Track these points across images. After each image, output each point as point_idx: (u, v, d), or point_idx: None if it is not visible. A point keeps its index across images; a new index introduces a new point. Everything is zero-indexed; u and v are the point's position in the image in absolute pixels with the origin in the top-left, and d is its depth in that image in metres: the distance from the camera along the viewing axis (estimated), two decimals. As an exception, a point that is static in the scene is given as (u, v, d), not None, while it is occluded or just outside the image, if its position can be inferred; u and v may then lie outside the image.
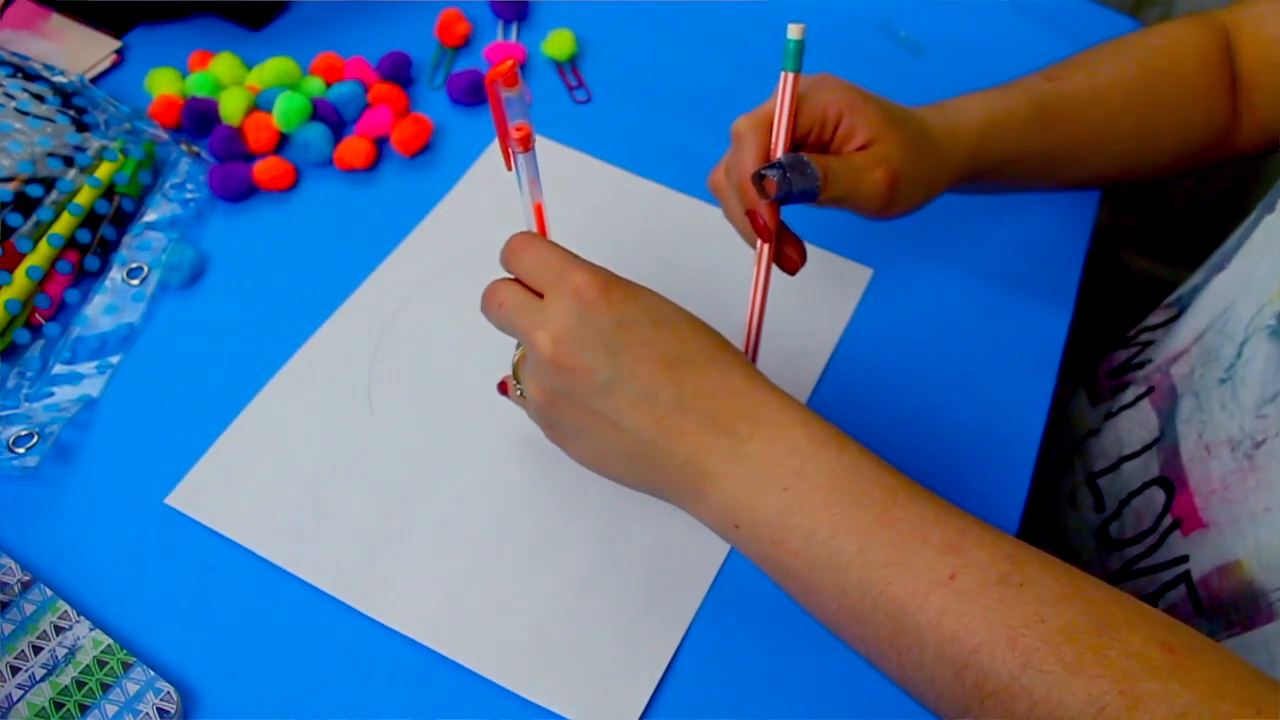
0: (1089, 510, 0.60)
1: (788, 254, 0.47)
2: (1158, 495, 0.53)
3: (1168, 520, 0.51)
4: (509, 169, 0.43)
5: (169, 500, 0.49)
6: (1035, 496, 0.66)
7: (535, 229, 0.45)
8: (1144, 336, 0.62)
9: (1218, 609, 0.47)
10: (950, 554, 0.35)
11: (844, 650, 0.46)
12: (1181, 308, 0.59)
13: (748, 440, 0.38)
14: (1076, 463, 0.63)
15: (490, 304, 0.42)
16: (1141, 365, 0.60)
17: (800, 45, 0.43)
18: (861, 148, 0.47)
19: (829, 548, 0.36)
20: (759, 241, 0.46)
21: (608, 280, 0.40)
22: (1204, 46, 0.58)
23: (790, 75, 0.44)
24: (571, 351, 0.39)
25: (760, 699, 0.45)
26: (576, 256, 0.41)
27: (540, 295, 0.40)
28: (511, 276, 0.42)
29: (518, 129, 0.42)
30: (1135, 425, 0.57)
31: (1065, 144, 0.55)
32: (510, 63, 0.40)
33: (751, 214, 0.45)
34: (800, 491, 0.37)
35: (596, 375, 0.38)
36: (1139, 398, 0.57)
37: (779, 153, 0.45)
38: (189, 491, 0.49)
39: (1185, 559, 0.50)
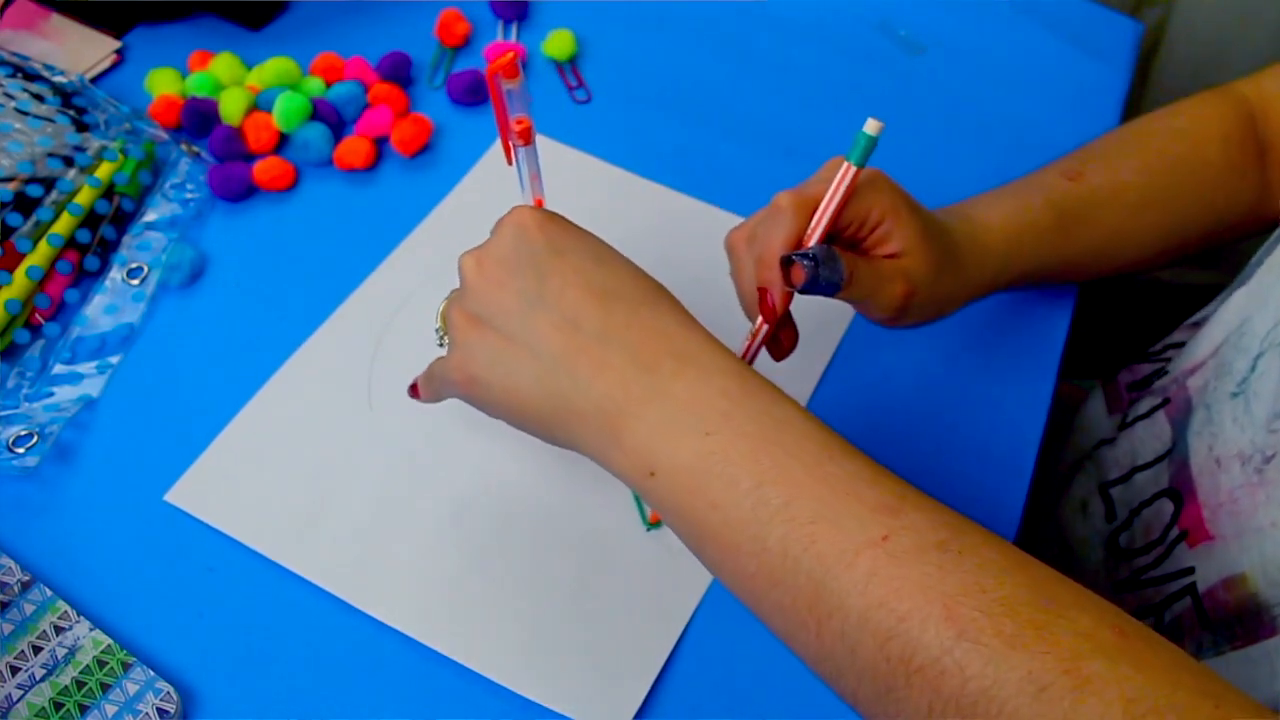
0: (1100, 519, 0.59)
1: (781, 339, 0.45)
2: (1166, 506, 0.53)
3: (1175, 531, 0.51)
4: (510, 163, 0.43)
5: (168, 497, 0.49)
6: (1044, 502, 0.66)
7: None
8: (1169, 352, 0.62)
9: (1222, 622, 0.47)
10: (885, 514, 0.32)
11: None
12: (1204, 322, 0.58)
13: (673, 379, 0.35)
14: (1090, 470, 0.62)
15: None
16: (1160, 376, 0.60)
17: (873, 142, 0.41)
18: (891, 256, 0.45)
19: (752, 499, 0.33)
20: (758, 319, 0.44)
21: (551, 215, 0.38)
22: (1225, 125, 0.57)
23: (852, 169, 0.42)
24: (499, 271, 0.37)
25: (757, 698, 0.45)
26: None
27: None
28: None
29: (518, 122, 0.41)
30: (1150, 436, 0.56)
31: (1087, 247, 0.55)
32: (511, 55, 0.39)
33: (763, 291, 0.43)
34: (726, 437, 0.34)
35: (522, 295, 0.36)
36: (1154, 409, 0.57)
37: (814, 241, 0.43)
38: (188, 488, 0.49)
39: (1191, 571, 0.49)
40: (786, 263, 0.42)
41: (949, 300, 0.49)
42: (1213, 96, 0.59)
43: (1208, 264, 0.83)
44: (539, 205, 0.44)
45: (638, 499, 0.50)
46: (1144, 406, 0.58)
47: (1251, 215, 0.58)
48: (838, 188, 0.42)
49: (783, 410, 0.35)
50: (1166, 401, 0.56)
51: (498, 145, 0.65)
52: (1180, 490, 0.51)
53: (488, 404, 0.39)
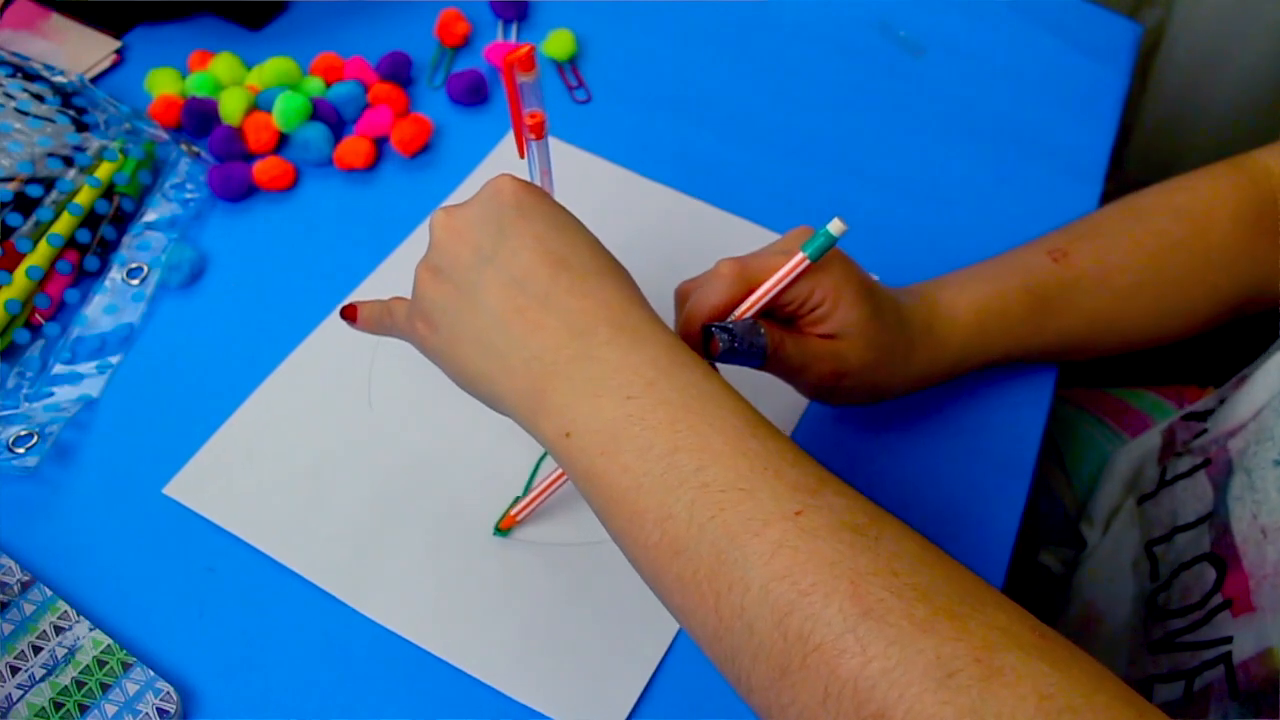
0: (1145, 578, 0.57)
1: None
2: (1208, 572, 0.51)
3: (1218, 599, 0.49)
4: (521, 156, 0.43)
5: (167, 490, 0.49)
6: (1095, 555, 0.63)
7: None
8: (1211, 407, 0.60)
9: (1251, 695, 0.45)
10: (803, 492, 0.31)
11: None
12: (1246, 379, 0.56)
13: (604, 345, 0.35)
14: (1137, 524, 0.60)
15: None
16: (1200, 435, 0.57)
17: (834, 241, 0.41)
18: (825, 336, 0.45)
19: (664, 464, 0.32)
20: None
21: (530, 186, 0.39)
22: (1238, 202, 0.53)
23: (805, 261, 0.42)
24: (464, 226, 0.38)
25: (746, 708, 0.45)
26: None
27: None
28: None
29: (531, 116, 0.41)
30: (1190, 497, 0.54)
31: (1066, 333, 0.52)
32: (528, 47, 0.39)
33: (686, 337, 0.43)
34: (646, 402, 0.33)
35: (479, 251, 0.37)
36: (1195, 468, 0.55)
37: (745, 314, 0.43)
38: (187, 481, 0.50)
39: (1229, 640, 0.48)
40: (707, 332, 0.42)
41: (886, 388, 0.48)
42: (1227, 170, 0.55)
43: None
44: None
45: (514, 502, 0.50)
46: (1184, 465, 0.56)
47: (1263, 296, 0.54)
48: (783, 275, 0.42)
49: (711, 385, 0.34)
50: (1207, 462, 0.54)
51: (501, 147, 0.65)
52: (1223, 557, 0.50)
53: (431, 352, 0.40)
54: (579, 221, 0.40)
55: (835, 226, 0.41)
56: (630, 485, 0.33)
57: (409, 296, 0.42)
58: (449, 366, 0.40)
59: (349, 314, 0.46)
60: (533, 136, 0.42)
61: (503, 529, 0.49)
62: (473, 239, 0.38)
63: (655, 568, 0.33)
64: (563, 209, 0.40)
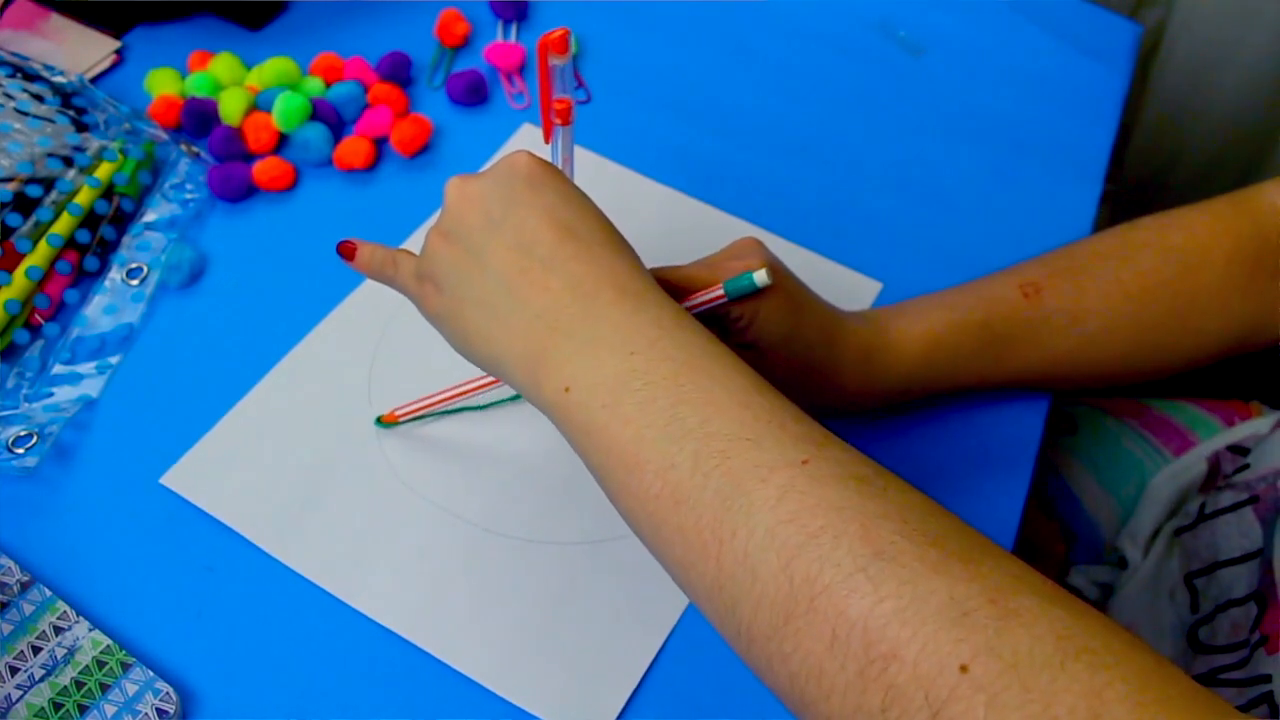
0: (1185, 609, 0.57)
1: None
2: (1252, 610, 0.50)
3: (1256, 635, 0.49)
4: (547, 141, 0.43)
5: (165, 480, 0.49)
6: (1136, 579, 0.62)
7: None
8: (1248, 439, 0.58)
9: None
10: (808, 444, 0.30)
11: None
12: None
13: (607, 305, 0.35)
14: (1176, 553, 0.59)
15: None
16: (1243, 470, 0.56)
17: (754, 289, 0.42)
18: (744, 345, 0.44)
19: (667, 416, 0.32)
20: None
21: (543, 161, 0.39)
22: (1234, 242, 0.50)
23: (722, 297, 0.42)
24: (476, 192, 0.39)
25: (738, 710, 0.45)
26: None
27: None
28: None
29: (559, 102, 0.41)
30: (1235, 532, 0.53)
31: (1027, 369, 0.51)
32: (563, 31, 0.40)
33: None
34: (649, 358, 0.33)
35: (488, 216, 0.38)
36: (1239, 504, 0.54)
37: None
38: (184, 472, 0.50)
39: (1268, 679, 0.47)
40: None
41: (818, 403, 0.47)
42: (1226, 208, 0.52)
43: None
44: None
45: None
46: (1226, 499, 0.55)
47: (1255, 335, 0.52)
48: (700, 303, 0.43)
49: (715, 346, 0.34)
50: (1255, 499, 0.53)
51: (503, 148, 0.65)
52: (1265, 594, 0.49)
53: (434, 314, 0.40)
54: (589, 199, 0.40)
55: (760, 278, 0.41)
56: (631, 436, 0.32)
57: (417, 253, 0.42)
58: (451, 328, 0.40)
59: (346, 250, 0.45)
60: (559, 122, 0.42)
61: (385, 421, 0.51)
62: (483, 205, 0.38)
63: (655, 520, 0.32)
64: (574, 186, 0.40)
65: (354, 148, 0.63)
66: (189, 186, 0.61)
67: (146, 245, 0.58)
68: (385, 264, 0.44)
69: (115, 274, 0.57)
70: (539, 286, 0.36)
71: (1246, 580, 0.52)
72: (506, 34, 0.72)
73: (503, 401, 0.53)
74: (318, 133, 0.63)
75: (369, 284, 0.58)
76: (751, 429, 0.31)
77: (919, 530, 0.28)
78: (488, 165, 0.61)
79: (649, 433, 0.32)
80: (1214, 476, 0.61)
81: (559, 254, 0.36)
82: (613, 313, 0.35)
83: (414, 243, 0.60)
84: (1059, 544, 0.67)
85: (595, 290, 0.36)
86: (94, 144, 0.59)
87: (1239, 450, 0.58)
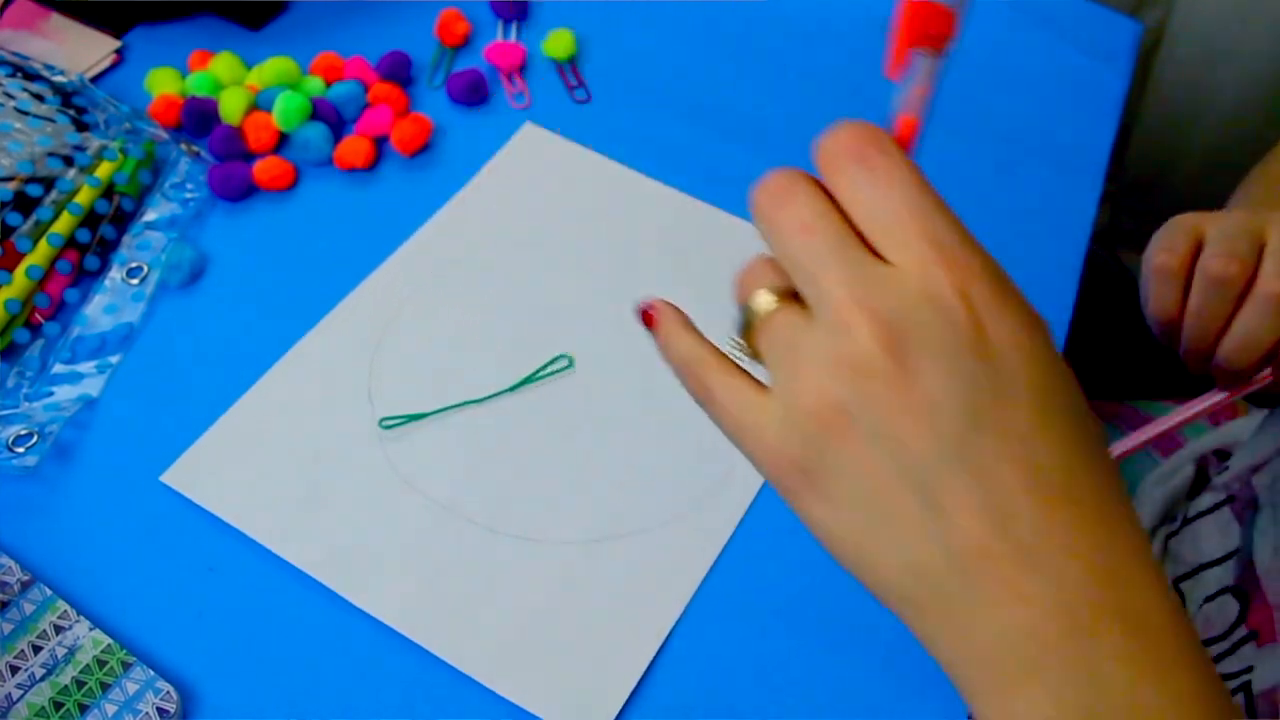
0: None
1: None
2: (1230, 605, 0.50)
3: (1243, 631, 0.49)
4: (894, 77, 0.33)
5: (165, 477, 0.49)
6: None
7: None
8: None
9: None
10: None
11: (829, 659, 0.46)
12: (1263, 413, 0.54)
13: (1108, 654, 0.24)
14: (1168, 562, 0.59)
15: (782, 215, 0.27)
16: (1222, 473, 0.56)
17: None
18: None
19: None
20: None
21: (1010, 299, 0.25)
22: None
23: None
24: (920, 373, 0.24)
25: (738, 710, 0.45)
26: (938, 203, 0.26)
27: (875, 254, 0.26)
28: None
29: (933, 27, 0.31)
30: (1215, 533, 0.54)
31: None
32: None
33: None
34: None
35: (941, 439, 0.24)
36: (1218, 505, 0.54)
37: None
38: (185, 469, 0.50)
39: (1251, 670, 0.47)
40: None
41: None
42: None
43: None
44: (909, 127, 0.33)
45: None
46: (1206, 502, 0.55)
47: None
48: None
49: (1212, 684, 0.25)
50: (1232, 499, 0.53)
51: (506, 148, 0.65)
52: (1246, 589, 0.49)
53: (813, 524, 0.27)
54: (1075, 390, 0.27)
55: None
56: None
57: (740, 358, 0.29)
58: (828, 546, 0.28)
59: (649, 319, 0.33)
60: (931, 50, 0.30)
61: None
62: (929, 410, 0.24)
63: None
64: (1059, 365, 0.26)
65: (354, 147, 0.63)
66: (189, 186, 0.61)
67: (147, 244, 0.58)
68: (701, 371, 0.30)
69: (115, 273, 0.57)
70: (1012, 590, 0.24)
71: (1221, 577, 0.52)
72: (507, 34, 0.72)
73: (503, 392, 0.53)
74: (318, 132, 0.63)
75: (369, 283, 0.58)
76: None
77: None
78: (478, 187, 0.61)
79: None
80: (1203, 479, 0.61)
81: (1047, 538, 0.24)
82: (1115, 671, 0.24)
83: (415, 242, 0.60)
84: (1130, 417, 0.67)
85: (1094, 620, 0.24)
86: (94, 143, 0.59)
87: (1223, 455, 0.58)
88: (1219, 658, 0.51)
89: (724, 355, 0.30)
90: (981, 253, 0.26)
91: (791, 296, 0.27)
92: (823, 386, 0.25)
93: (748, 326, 0.28)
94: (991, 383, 0.25)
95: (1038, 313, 0.26)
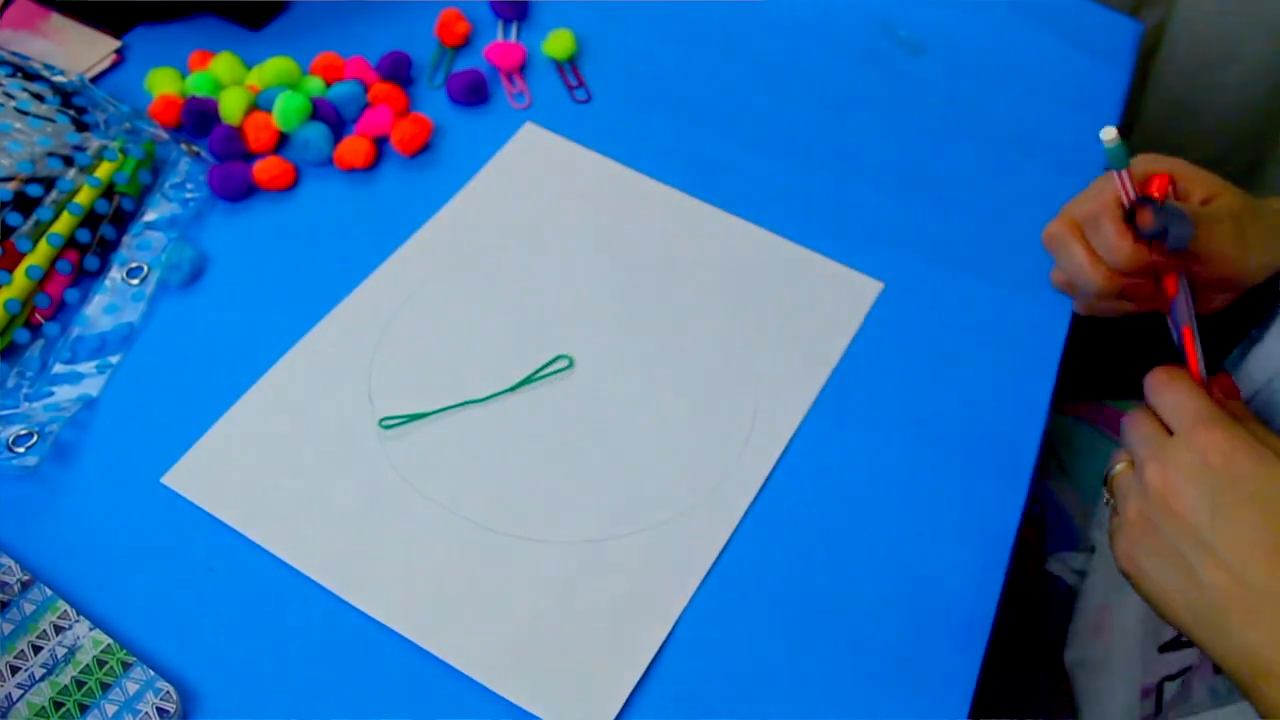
0: None
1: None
2: None
3: None
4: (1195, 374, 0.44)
5: (165, 479, 0.49)
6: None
7: (1185, 355, 0.45)
8: None
9: None
10: None
11: (829, 659, 0.46)
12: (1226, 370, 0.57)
13: None
14: None
15: (1130, 423, 0.43)
16: None
17: (1123, 148, 0.44)
18: (1202, 203, 0.47)
19: None
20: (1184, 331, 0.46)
21: (1236, 446, 0.39)
22: None
23: (1124, 172, 0.45)
24: (1179, 495, 0.39)
25: (738, 709, 0.45)
26: (1214, 407, 0.41)
27: (1170, 432, 0.41)
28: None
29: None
30: None
31: None
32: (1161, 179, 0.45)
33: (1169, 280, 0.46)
34: None
35: (1197, 529, 0.39)
36: None
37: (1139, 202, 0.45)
38: (185, 471, 0.50)
39: None
40: (1133, 212, 0.45)
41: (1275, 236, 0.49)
42: None
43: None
44: (1188, 336, 0.45)
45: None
46: None
47: None
48: (1123, 181, 0.46)
49: None
50: None
51: (507, 147, 0.65)
52: None
53: (1139, 587, 0.42)
54: None
55: (1105, 136, 0.43)
56: None
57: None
58: (1155, 606, 0.41)
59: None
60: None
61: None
62: (1188, 511, 0.39)
63: None
64: (1273, 468, 0.39)
65: (354, 147, 0.63)
66: (189, 186, 0.61)
67: (147, 244, 0.58)
68: (1115, 544, 0.43)
69: (116, 273, 0.57)
70: (1251, 616, 0.37)
71: None
72: (507, 34, 0.72)
73: (503, 392, 0.53)
74: (318, 132, 0.63)
75: (369, 283, 0.58)
76: None
77: None
78: (479, 187, 0.62)
79: None
80: None
81: (1274, 583, 0.37)
82: None
83: (415, 242, 0.60)
84: (1029, 529, 0.68)
85: None
86: (94, 143, 0.59)
87: None
88: None
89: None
90: (1220, 421, 0.40)
91: (1131, 464, 0.43)
92: (1138, 508, 0.41)
93: (1110, 477, 0.45)
94: (1232, 483, 0.39)
95: (1267, 453, 0.39)
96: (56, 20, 0.69)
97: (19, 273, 0.54)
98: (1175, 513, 0.39)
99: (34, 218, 0.55)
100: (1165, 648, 0.54)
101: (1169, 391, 0.42)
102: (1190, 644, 0.52)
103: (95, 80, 0.67)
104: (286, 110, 0.63)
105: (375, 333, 0.56)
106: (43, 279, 0.54)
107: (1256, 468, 0.39)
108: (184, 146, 0.62)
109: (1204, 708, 0.49)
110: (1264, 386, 0.50)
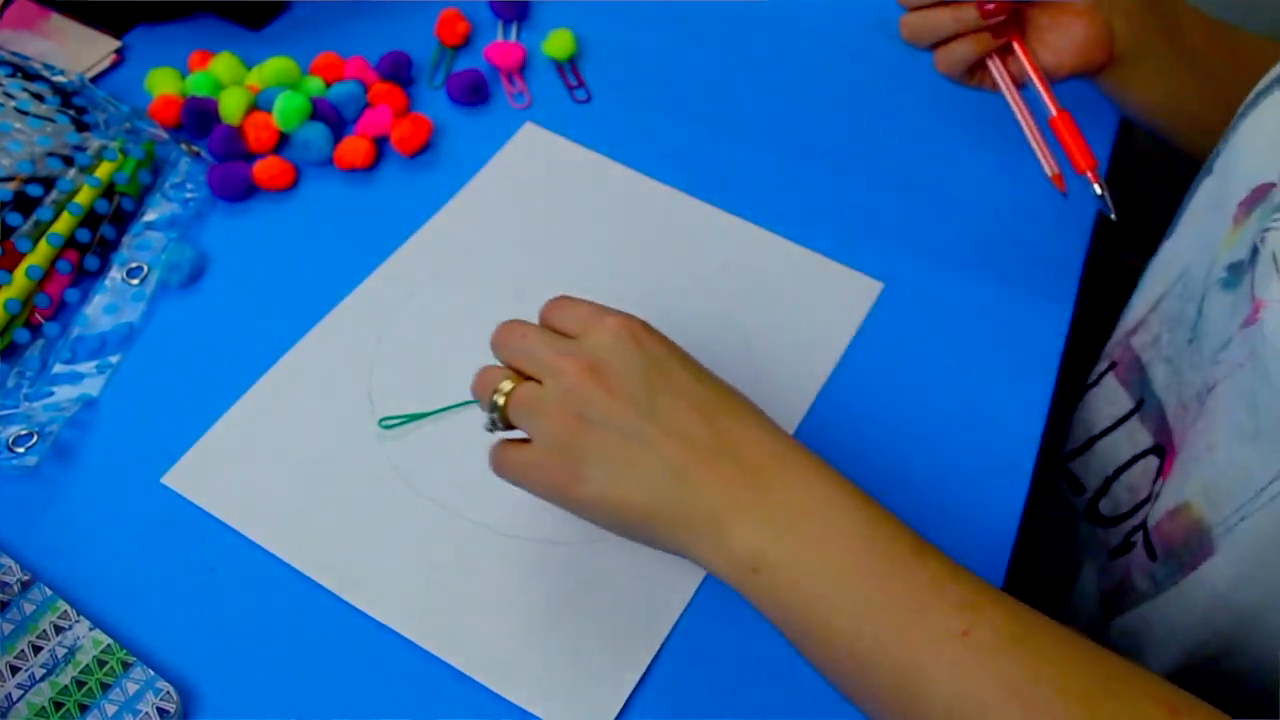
0: (1067, 494, 0.60)
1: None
2: (1152, 464, 0.53)
3: (1161, 484, 0.51)
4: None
5: (166, 479, 0.49)
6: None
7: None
8: None
9: (1170, 553, 0.48)
10: (967, 610, 0.36)
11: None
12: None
13: (776, 481, 0.38)
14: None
15: (508, 334, 0.42)
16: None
17: None
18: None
19: (848, 593, 0.36)
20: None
21: (644, 325, 0.41)
22: None
23: None
24: (611, 376, 0.39)
25: (738, 709, 0.45)
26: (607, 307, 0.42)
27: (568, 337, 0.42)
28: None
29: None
30: (1103, 403, 0.56)
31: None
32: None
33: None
34: (826, 536, 0.37)
35: (637, 407, 0.39)
36: (1100, 375, 0.57)
37: None
38: (185, 471, 0.50)
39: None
40: None
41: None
42: None
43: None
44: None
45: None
46: (1090, 377, 0.58)
47: None
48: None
49: (874, 512, 0.38)
50: (1113, 365, 0.56)
51: (506, 147, 0.65)
52: (1163, 445, 0.52)
53: (574, 501, 0.40)
54: (695, 359, 0.42)
55: None
56: (821, 613, 0.37)
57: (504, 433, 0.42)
58: (600, 514, 0.40)
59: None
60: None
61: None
62: (625, 394, 0.39)
63: (847, 680, 0.38)
64: (679, 350, 0.42)
65: (354, 147, 0.63)
66: (189, 186, 0.61)
67: (147, 244, 0.58)
68: (513, 469, 0.42)
69: (115, 273, 0.57)
70: (710, 472, 0.38)
71: (1131, 443, 0.54)
72: (507, 34, 0.72)
73: None
74: (318, 132, 0.63)
75: (369, 283, 0.58)
76: (918, 601, 0.36)
77: (1063, 688, 0.34)
78: (480, 187, 0.62)
79: (837, 606, 0.36)
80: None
81: (717, 437, 0.39)
82: (782, 493, 0.38)
83: (415, 242, 0.60)
84: None
85: (759, 466, 0.38)
86: (94, 143, 0.59)
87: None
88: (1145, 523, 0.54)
89: (505, 443, 0.43)
90: (618, 311, 0.42)
91: (521, 378, 0.41)
92: (561, 411, 0.40)
93: (498, 408, 0.41)
94: (653, 362, 0.40)
95: (666, 336, 0.42)
96: (56, 20, 0.69)
97: (19, 273, 0.54)
98: (613, 398, 0.39)
99: (34, 218, 0.55)
100: (1116, 553, 0.55)
101: (559, 307, 0.43)
102: (1137, 534, 0.53)
103: (95, 80, 0.67)
104: (286, 110, 0.63)
105: (375, 333, 0.56)
106: (43, 279, 0.54)
107: (664, 341, 0.41)
108: (184, 146, 0.62)
109: (1147, 598, 0.50)
110: (1168, 290, 0.51)
